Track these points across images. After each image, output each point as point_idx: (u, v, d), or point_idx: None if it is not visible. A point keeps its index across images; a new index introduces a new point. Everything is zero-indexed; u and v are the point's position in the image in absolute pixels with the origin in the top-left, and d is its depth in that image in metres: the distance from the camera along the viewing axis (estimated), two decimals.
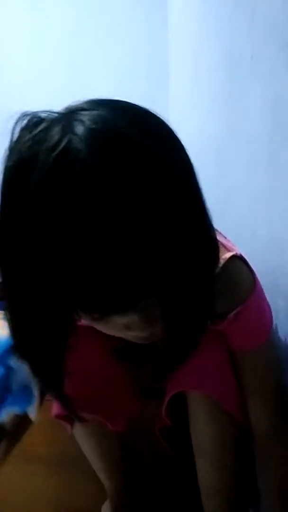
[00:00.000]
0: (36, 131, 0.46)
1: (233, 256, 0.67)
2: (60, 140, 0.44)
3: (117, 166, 0.41)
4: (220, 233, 0.71)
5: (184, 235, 0.44)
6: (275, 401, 0.73)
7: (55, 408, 0.84)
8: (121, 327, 0.52)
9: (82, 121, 0.46)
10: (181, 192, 0.45)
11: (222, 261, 0.64)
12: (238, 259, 0.69)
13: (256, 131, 1.10)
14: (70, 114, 0.48)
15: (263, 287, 1.06)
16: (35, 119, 0.48)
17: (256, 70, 1.10)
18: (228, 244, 0.71)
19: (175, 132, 0.53)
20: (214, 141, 1.56)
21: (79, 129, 0.45)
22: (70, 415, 0.82)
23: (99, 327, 0.55)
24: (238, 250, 0.72)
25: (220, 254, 0.63)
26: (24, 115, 0.49)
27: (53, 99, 2.83)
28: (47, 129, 0.46)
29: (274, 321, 0.96)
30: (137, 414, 0.85)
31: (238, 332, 0.71)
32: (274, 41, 0.98)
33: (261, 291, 0.73)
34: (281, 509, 0.70)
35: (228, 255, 0.65)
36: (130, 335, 0.55)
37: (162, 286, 0.43)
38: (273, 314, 0.97)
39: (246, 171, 1.14)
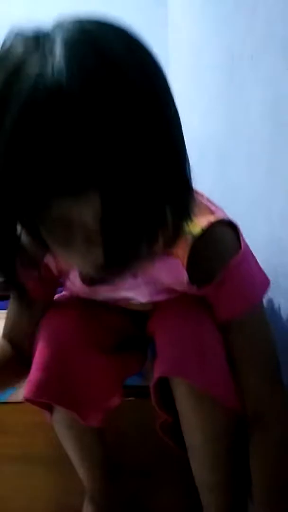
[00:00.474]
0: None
1: (219, 222, 0.66)
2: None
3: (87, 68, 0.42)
4: (211, 201, 0.70)
5: (141, 148, 0.43)
6: (270, 374, 0.69)
7: (25, 390, 0.76)
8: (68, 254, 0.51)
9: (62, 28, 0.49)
10: (150, 112, 0.45)
11: (205, 224, 0.64)
12: (225, 225, 0.68)
13: (256, 131, 1.10)
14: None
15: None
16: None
17: (256, 70, 1.10)
18: (216, 210, 0.68)
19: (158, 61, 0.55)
20: (214, 141, 1.56)
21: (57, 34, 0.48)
22: (42, 401, 0.78)
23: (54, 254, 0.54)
24: (227, 216, 0.69)
25: (204, 217, 0.64)
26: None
27: None
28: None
29: (275, 319, 0.96)
30: (114, 410, 0.79)
31: (224, 298, 0.67)
32: (274, 41, 0.98)
33: (248, 255, 0.70)
34: (275, 500, 0.65)
35: (212, 218, 0.64)
36: (75, 257, 0.52)
37: (104, 180, 0.41)
38: (274, 314, 0.97)
39: (246, 171, 1.14)
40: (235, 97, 1.29)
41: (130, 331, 0.87)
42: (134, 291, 0.74)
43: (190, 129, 2.17)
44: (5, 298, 0.93)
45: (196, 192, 0.61)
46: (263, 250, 1.05)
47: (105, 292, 0.78)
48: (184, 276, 0.67)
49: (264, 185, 1.01)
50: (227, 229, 0.69)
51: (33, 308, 0.79)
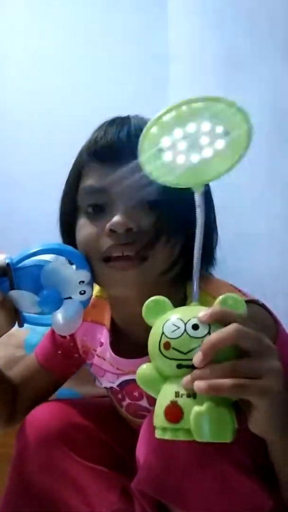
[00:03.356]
0: None
1: (252, 301, 0.65)
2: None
3: None
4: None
5: None
6: None
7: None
8: (106, 222, 0.60)
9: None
10: None
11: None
12: (258, 305, 0.65)
13: (256, 131, 1.10)
14: None
15: (262, 287, 1.06)
16: None
17: (256, 69, 1.10)
18: (247, 294, 0.67)
19: None
20: None
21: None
22: None
23: (88, 228, 0.63)
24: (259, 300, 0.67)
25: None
26: None
27: (54, 99, 2.84)
28: None
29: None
30: None
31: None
32: (274, 41, 0.98)
33: (286, 335, 0.65)
34: None
35: (245, 298, 0.58)
36: (104, 228, 0.60)
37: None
38: (276, 315, 0.97)
39: (246, 171, 1.14)
40: (235, 97, 1.29)
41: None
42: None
43: None
44: None
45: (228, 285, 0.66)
46: (263, 250, 1.05)
47: (129, 368, 0.70)
48: None
49: (264, 185, 1.01)
50: (260, 308, 0.65)
51: (44, 375, 0.82)
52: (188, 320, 0.47)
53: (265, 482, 0.59)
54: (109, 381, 0.74)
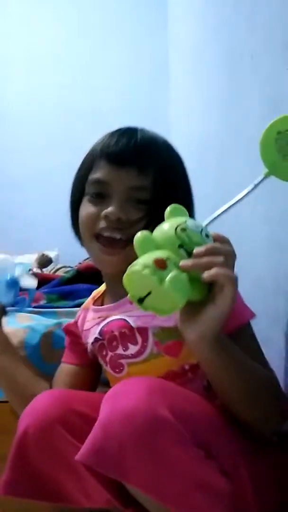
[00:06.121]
0: None
1: None
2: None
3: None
4: None
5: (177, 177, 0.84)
6: (264, 363, 0.75)
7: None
8: (101, 210, 0.79)
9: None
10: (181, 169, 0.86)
11: None
12: None
13: (256, 131, 1.10)
14: None
15: (263, 286, 1.06)
16: None
17: (256, 70, 1.10)
18: None
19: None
20: (214, 141, 1.56)
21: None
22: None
23: (89, 209, 0.81)
24: None
25: None
26: None
27: (54, 99, 2.84)
28: None
29: (275, 319, 0.96)
30: None
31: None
32: (274, 41, 0.98)
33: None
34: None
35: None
36: (101, 212, 0.79)
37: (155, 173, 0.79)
38: (275, 314, 0.97)
39: (246, 171, 1.14)
40: (235, 97, 1.29)
41: None
42: (131, 314, 0.81)
43: (190, 129, 2.18)
44: None
45: None
46: (264, 250, 1.05)
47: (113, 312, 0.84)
48: None
49: (264, 185, 1.01)
50: None
51: (78, 371, 0.92)
52: (204, 229, 0.62)
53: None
54: (94, 335, 0.86)
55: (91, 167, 0.82)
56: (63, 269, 1.81)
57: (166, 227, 0.61)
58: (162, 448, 0.61)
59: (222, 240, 0.62)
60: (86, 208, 0.81)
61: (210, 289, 0.60)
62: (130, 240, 0.64)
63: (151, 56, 2.74)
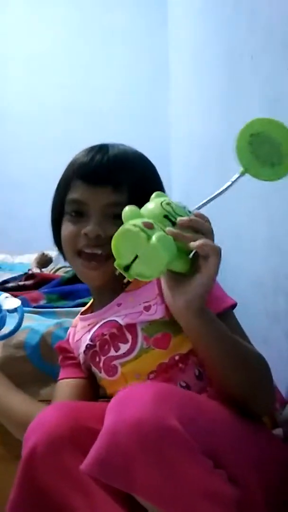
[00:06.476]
0: None
1: None
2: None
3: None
4: None
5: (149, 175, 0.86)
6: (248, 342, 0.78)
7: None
8: (81, 229, 0.82)
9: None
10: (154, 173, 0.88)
11: None
12: None
13: None
14: None
15: (263, 287, 1.06)
16: None
17: (256, 70, 1.10)
18: None
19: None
20: (214, 140, 1.56)
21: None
22: None
23: (69, 229, 0.84)
24: None
25: None
26: None
27: (54, 99, 2.84)
28: None
29: (275, 319, 0.96)
30: None
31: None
32: (274, 41, 0.98)
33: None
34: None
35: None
36: (81, 231, 0.82)
37: (130, 182, 0.82)
38: (274, 313, 0.97)
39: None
40: (235, 97, 1.29)
41: None
42: (118, 314, 0.83)
43: (190, 129, 2.18)
44: None
45: None
46: (264, 250, 1.06)
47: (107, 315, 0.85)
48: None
49: (264, 185, 1.01)
50: None
51: (74, 386, 0.91)
52: (186, 207, 0.67)
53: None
54: (85, 343, 0.87)
55: (68, 186, 0.86)
56: (63, 269, 1.82)
57: (151, 203, 0.66)
58: (169, 459, 0.60)
59: (202, 217, 0.66)
60: (67, 227, 0.85)
61: (192, 263, 0.65)
62: (110, 255, 0.67)
63: (151, 56, 2.74)
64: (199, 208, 0.69)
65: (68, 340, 0.94)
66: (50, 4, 2.78)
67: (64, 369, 0.93)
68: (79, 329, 0.91)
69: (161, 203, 0.65)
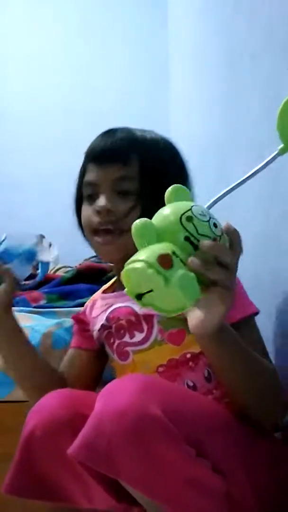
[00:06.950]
0: None
1: None
2: None
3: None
4: None
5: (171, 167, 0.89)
6: (265, 355, 0.77)
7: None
8: (94, 208, 0.86)
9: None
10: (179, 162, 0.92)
11: None
12: None
13: (256, 131, 1.10)
14: None
15: (263, 286, 1.06)
16: None
17: (256, 70, 1.10)
18: None
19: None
20: (214, 140, 1.56)
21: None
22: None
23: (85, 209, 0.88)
24: None
25: None
26: None
27: (54, 99, 2.84)
28: None
29: (274, 319, 0.96)
30: None
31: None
32: (274, 41, 0.98)
33: (241, 286, 0.83)
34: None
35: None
36: (94, 209, 0.86)
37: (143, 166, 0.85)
38: (274, 313, 0.97)
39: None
40: (235, 97, 1.29)
41: None
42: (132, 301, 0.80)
43: (190, 129, 2.18)
44: None
45: None
46: (263, 250, 1.06)
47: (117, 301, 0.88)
48: None
49: (264, 185, 1.01)
50: None
51: (83, 356, 0.94)
52: (212, 218, 0.55)
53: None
54: (101, 322, 0.89)
55: (84, 172, 0.90)
56: (63, 269, 1.81)
57: (169, 214, 0.54)
58: (151, 446, 0.62)
59: (232, 234, 0.59)
60: (84, 210, 0.89)
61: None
62: (123, 230, 0.72)
63: (151, 56, 2.73)
64: (224, 195, 0.60)
65: (85, 312, 0.96)
66: (50, 4, 2.78)
67: (76, 338, 0.96)
68: (98, 306, 0.93)
69: (180, 218, 0.53)
